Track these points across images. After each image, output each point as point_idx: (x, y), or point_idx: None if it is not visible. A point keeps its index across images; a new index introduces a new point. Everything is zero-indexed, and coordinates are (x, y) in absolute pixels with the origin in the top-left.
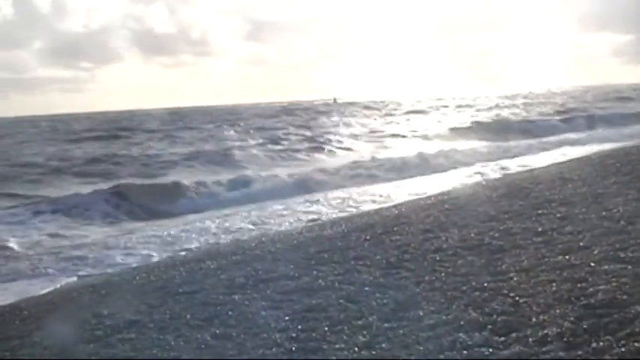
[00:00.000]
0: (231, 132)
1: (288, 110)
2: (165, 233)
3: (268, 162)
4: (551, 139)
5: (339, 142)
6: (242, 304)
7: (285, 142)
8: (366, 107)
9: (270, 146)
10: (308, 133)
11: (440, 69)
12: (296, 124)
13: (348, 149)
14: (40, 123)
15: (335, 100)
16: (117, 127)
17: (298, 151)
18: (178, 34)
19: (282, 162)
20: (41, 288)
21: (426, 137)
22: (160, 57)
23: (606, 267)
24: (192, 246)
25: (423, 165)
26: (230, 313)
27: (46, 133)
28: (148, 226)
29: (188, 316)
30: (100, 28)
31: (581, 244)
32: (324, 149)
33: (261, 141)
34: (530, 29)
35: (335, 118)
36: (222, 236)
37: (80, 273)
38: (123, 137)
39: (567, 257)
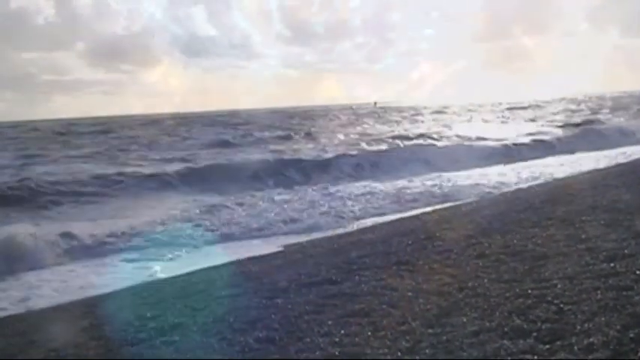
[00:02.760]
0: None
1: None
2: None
3: None
4: None
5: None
6: (285, 307)
7: None
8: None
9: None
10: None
11: (481, 73)
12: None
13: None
14: None
15: (375, 104)
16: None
17: None
18: (219, 37)
19: None
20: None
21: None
22: (201, 60)
23: None
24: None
25: None
26: (273, 316)
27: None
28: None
29: (231, 319)
30: (142, 31)
31: (625, 251)
32: None
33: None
34: (572, 33)
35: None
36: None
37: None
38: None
39: (612, 265)
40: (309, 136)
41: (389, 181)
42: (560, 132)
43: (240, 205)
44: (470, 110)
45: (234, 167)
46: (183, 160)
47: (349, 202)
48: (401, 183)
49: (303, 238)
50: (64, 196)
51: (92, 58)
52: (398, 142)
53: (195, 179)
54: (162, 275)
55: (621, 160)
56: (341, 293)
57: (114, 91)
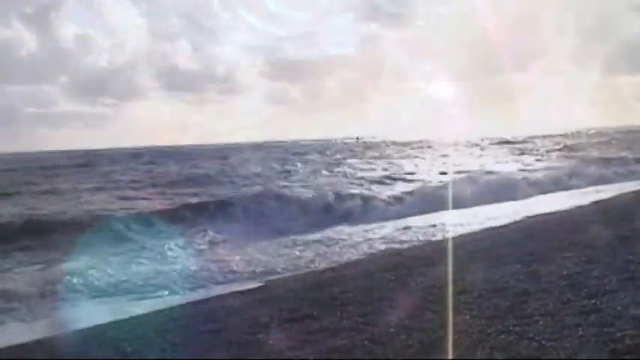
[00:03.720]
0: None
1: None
2: None
3: None
4: None
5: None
6: (266, 343)
7: None
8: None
9: None
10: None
11: (465, 110)
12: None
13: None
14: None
15: (357, 139)
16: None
17: None
18: (203, 71)
19: None
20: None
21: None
22: (185, 93)
23: (634, 312)
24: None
25: None
26: (254, 353)
27: None
28: None
29: (212, 356)
30: (125, 65)
31: (607, 287)
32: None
33: None
34: (556, 70)
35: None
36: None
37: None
38: None
39: (593, 301)
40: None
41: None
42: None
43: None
44: (456, 145)
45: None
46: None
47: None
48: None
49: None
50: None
51: (76, 91)
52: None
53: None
54: (141, 311)
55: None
56: (323, 328)
57: (98, 124)
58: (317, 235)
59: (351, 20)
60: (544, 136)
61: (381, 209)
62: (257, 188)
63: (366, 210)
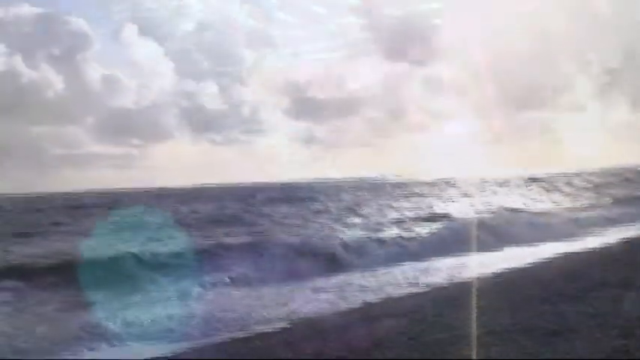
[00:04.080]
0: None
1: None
2: None
3: None
4: None
5: None
6: None
7: None
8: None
9: None
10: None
11: (491, 147)
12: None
13: None
14: None
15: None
16: None
17: None
18: (228, 111)
19: None
20: None
21: None
22: (211, 134)
23: None
24: None
25: None
26: None
27: None
28: None
29: None
30: (151, 105)
31: (637, 328)
32: None
33: None
34: (582, 108)
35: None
36: None
37: None
38: None
39: (624, 342)
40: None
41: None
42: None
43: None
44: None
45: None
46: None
47: None
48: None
49: None
50: None
51: (101, 132)
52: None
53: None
54: (163, 353)
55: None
56: None
57: (123, 164)
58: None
59: (375, 60)
60: (572, 175)
61: (412, 249)
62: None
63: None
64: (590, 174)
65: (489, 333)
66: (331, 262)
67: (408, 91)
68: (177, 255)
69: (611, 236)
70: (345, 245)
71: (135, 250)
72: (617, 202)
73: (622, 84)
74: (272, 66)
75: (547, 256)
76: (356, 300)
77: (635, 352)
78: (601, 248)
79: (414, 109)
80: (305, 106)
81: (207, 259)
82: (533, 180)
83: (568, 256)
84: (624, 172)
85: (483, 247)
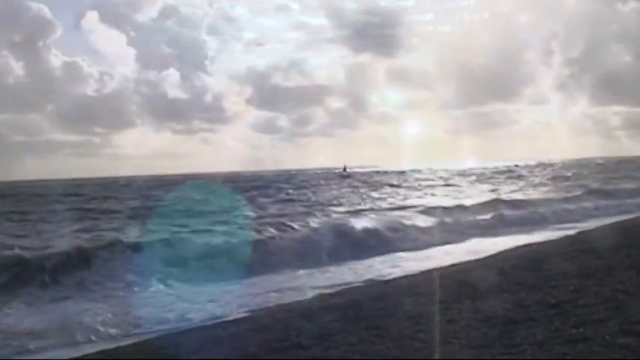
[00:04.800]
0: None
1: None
2: None
3: None
4: None
5: None
6: None
7: None
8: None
9: None
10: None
11: (451, 139)
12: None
13: None
14: None
15: (345, 168)
16: None
17: None
18: (190, 101)
19: None
20: None
21: None
22: (173, 122)
23: (621, 340)
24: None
25: None
26: None
27: None
28: None
29: None
30: (113, 93)
31: (595, 317)
32: None
33: None
34: (543, 101)
35: None
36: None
37: None
38: None
39: (581, 330)
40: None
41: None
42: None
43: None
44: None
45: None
46: None
47: None
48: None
49: None
50: None
51: (63, 119)
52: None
53: None
54: (129, 341)
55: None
56: (311, 358)
57: (85, 153)
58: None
59: (338, 49)
60: (533, 166)
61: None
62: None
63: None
64: (551, 165)
65: (450, 321)
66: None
67: (372, 81)
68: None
69: (570, 227)
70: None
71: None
72: (576, 194)
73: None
74: (235, 54)
75: (508, 247)
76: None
77: (592, 340)
78: (560, 238)
79: (378, 100)
80: (268, 95)
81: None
82: (496, 171)
83: (528, 247)
84: (584, 164)
85: (446, 238)
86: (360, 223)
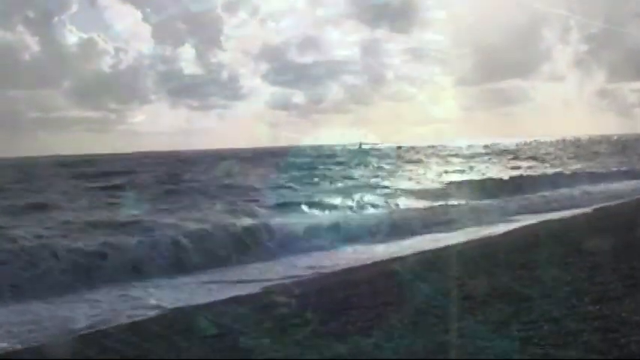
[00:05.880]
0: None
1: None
2: None
3: None
4: None
5: None
6: (270, 348)
7: None
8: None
9: None
10: None
11: (468, 116)
12: None
13: None
14: None
15: (360, 145)
16: None
17: None
18: (206, 77)
19: None
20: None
21: None
22: (188, 99)
23: (638, 318)
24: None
25: None
26: (259, 357)
27: None
28: None
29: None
30: (128, 70)
31: (611, 294)
32: None
33: None
34: (559, 77)
35: None
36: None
37: None
38: None
39: (598, 307)
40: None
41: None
42: None
43: None
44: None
45: None
46: None
47: None
48: None
49: None
50: None
51: (78, 96)
52: None
53: None
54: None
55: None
56: (327, 333)
57: (100, 129)
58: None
59: (354, 25)
60: (551, 143)
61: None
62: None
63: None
64: (567, 142)
65: (466, 297)
66: None
67: (388, 57)
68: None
69: (585, 204)
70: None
71: None
72: (593, 171)
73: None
74: (251, 30)
75: (525, 223)
76: None
77: (609, 317)
78: (576, 215)
79: (394, 76)
80: (284, 71)
81: None
82: (508, 149)
83: (544, 224)
84: (601, 141)
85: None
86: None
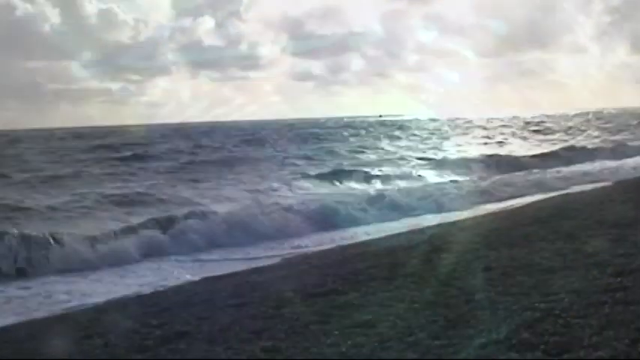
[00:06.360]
0: None
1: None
2: None
3: None
4: None
5: None
6: (291, 317)
7: None
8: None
9: None
10: None
11: (489, 88)
12: None
13: None
14: None
15: (380, 116)
16: None
17: None
18: (226, 48)
19: None
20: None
21: None
22: (208, 70)
23: None
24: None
25: None
26: (279, 326)
27: None
28: None
29: (237, 329)
30: (148, 41)
31: (632, 266)
32: None
33: None
34: (581, 49)
35: None
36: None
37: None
38: None
39: (619, 279)
40: None
41: None
42: None
43: None
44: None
45: None
46: None
47: None
48: None
49: None
50: None
51: (98, 67)
52: None
53: None
54: (166, 284)
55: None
56: (347, 304)
57: (121, 100)
58: None
59: None
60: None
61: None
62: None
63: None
64: (589, 114)
65: (486, 269)
66: None
67: (408, 29)
68: None
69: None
70: None
71: None
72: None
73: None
74: (270, 1)
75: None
76: None
77: (630, 289)
78: (597, 188)
79: (414, 47)
80: (303, 42)
81: None
82: (529, 122)
83: (565, 196)
84: (623, 114)
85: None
86: None
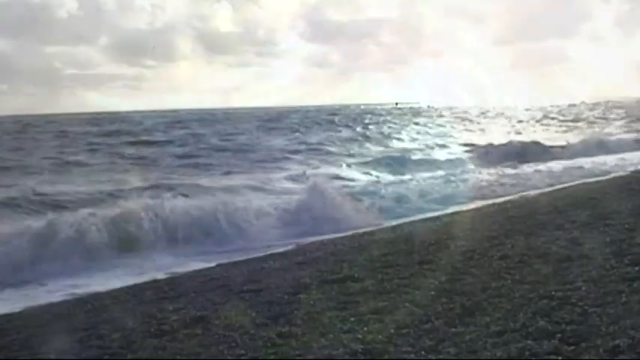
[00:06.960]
0: None
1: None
2: None
3: None
4: None
5: None
6: (307, 303)
7: None
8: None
9: None
10: None
11: (506, 76)
12: None
13: None
14: None
15: (397, 104)
16: None
17: None
18: (243, 34)
19: None
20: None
21: None
22: (225, 56)
23: None
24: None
25: None
26: (295, 312)
27: None
28: None
29: (253, 314)
30: (165, 26)
31: None
32: None
33: None
34: (600, 37)
35: None
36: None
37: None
38: None
39: (637, 269)
40: None
41: None
42: None
43: None
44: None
45: None
46: None
47: None
48: None
49: None
50: None
51: (115, 52)
52: None
53: None
54: (182, 270)
55: None
56: (364, 290)
57: (137, 85)
58: None
59: None
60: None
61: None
62: None
63: None
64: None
65: (503, 257)
66: None
67: (426, 16)
68: None
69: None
70: None
71: None
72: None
73: None
74: None
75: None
76: None
77: None
78: (614, 177)
79: (431, 35)
80: (321, 29)
81: None
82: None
83: (582, 185)
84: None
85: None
86: None
